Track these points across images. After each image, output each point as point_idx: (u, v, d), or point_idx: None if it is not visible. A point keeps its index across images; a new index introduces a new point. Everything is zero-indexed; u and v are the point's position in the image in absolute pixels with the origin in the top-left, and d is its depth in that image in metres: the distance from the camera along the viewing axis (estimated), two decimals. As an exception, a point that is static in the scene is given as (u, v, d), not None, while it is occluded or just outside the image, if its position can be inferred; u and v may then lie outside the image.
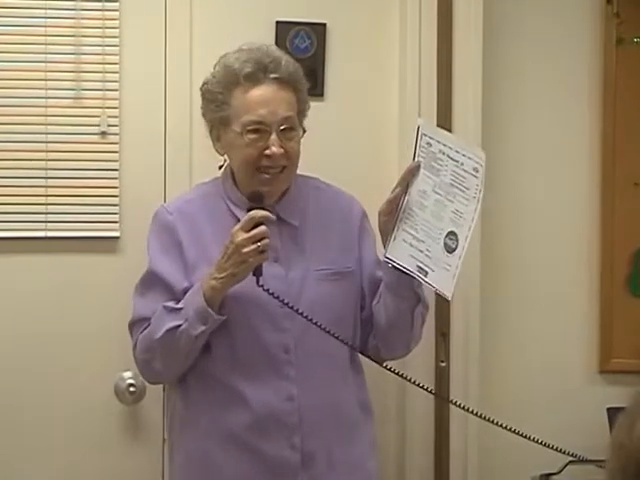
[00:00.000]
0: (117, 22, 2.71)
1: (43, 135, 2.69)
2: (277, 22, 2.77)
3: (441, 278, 2.28)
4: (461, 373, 2.80)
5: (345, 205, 2.47)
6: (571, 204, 2.96)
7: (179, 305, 2.27)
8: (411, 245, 2.29)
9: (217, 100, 2.33)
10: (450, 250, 2.31)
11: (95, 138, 2.71)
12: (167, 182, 2.73)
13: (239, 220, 2.29)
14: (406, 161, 2.38)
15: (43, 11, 2.68)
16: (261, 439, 2.29)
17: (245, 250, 2.18)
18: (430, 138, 2.33)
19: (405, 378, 2.36)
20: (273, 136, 2.28)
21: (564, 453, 2.34)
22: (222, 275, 2.21)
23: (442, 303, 2.78)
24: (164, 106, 2.74)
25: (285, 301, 2.24)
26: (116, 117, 2.71)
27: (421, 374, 2.67)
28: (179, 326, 2.24)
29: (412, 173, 2.31)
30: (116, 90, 2.71)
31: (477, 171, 2.38)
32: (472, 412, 2.35)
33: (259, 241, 2.19)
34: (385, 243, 2.32)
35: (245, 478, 2.31)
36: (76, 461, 2.73)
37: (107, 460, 2.74)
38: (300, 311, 2.25)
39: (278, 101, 2.30)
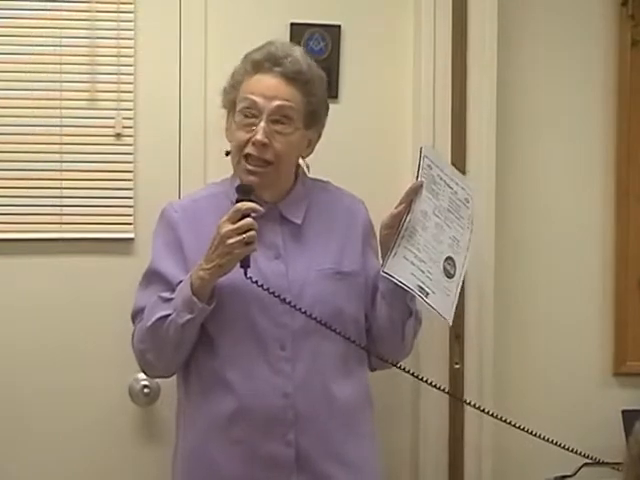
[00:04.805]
0: (132, 24, 2.72)
1: (58, 137, 2.69)
2: (292, 24, 2.77)
3: (442, 301, 2.31)
4: (475, 375, 2.79)
5: (351, 208, 2.47)
6: (586, 206, 2.96)
7: (172, 295, 2.29)
8: (412, 264, 2.29)
9: (230, 84, 2.38)
10: (449, 275, 2.34)
11: (110, 140, 2.72)
12: (182, 183, 2.73)
13: None
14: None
15: (57, 13, 2.69)
16: (256, 434, 2.29)
17: (230, 241, 2.18)
18: (431, 161, 2.36)
19: (420, 378, 2.36)
20: (262, 123, 2.29)
21: (579, 454, 2.34)
22: (209, 266, 2.22)
23: (457, 305, 2.77)
24: (179, 108, 2.74)
25: (277, 294, 2.24)
26: (131, 119, 2.72)
27: (435, 376, 2.65)
28: (169, 315, 2.26)
29: (415, 191, 2.33)
30: (131, 92, 2.72)
31: (468, 202, 2.44)
32: (486, 411, 2.36)
33: (245, 232, 2.19)
34: (384, 256, 2.32)
35: (241, 473, 2.30)
36: (89, 462, 2.73)
37: (120, 461, 2.75)
38: (293, 303, 2.25)
39: (276, 92, 2.31)
